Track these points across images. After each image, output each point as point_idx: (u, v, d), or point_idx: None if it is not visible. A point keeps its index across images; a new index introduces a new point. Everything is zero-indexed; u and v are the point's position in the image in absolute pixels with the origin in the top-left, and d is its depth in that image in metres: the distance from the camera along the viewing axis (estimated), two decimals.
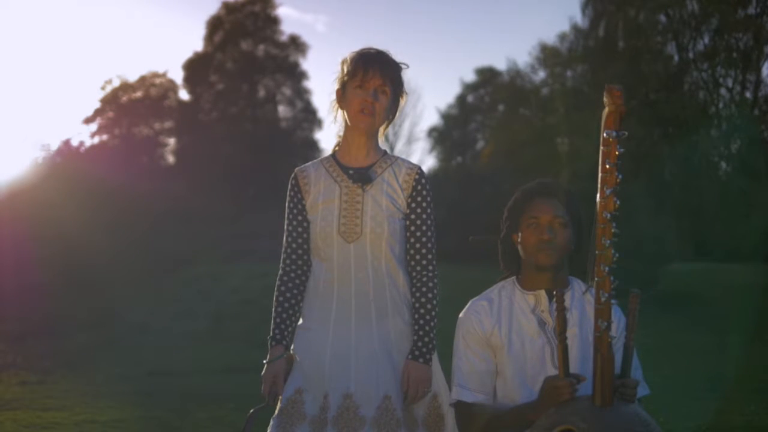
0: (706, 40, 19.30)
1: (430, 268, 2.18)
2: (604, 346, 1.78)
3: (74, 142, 14.77)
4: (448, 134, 35.05)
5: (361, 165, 2.17)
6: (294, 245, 2.18)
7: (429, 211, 2.19)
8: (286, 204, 2.20)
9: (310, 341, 2.12)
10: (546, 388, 1.90)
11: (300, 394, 2.06)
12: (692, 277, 13.78)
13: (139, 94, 28.61)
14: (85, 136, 26.07)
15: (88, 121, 27.54)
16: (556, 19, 53.36)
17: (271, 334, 2.15)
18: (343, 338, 2.10)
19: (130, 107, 28.02)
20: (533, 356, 2.09)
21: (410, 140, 36.43)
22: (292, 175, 2.21)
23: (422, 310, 2.14)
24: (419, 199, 2.18)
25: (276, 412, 2.08)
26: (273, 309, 2.16)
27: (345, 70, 2.15)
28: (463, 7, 46.75)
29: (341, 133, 2.23)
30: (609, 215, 1.75)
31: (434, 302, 2.16)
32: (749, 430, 4.60)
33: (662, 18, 19.97)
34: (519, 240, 2.15)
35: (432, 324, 2.15)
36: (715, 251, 16.92)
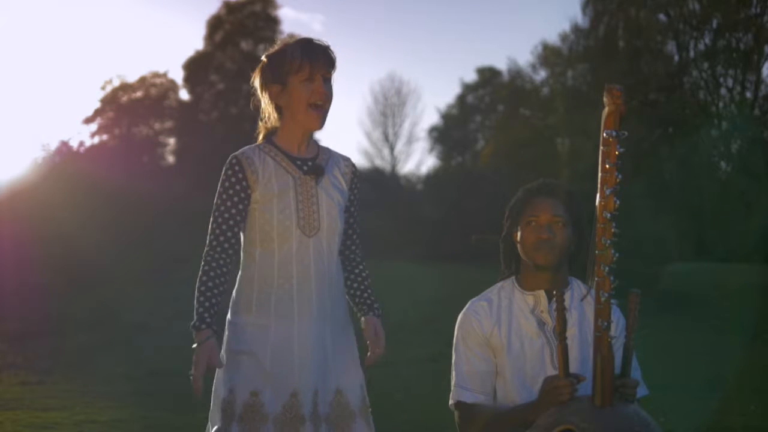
0: (707, 39, 19.29)
1: (361, 256, 2.29)
2: (604, 346, 1.78)
3: (74, 142, 14.77)
4: (448, 134, 35.07)
5: (304, 156, 2.16)
6: (229, 233, 2.08)
7: (359, 201, 2.26)
8: (224, 190, 2.08)
9: (272, 339, 2.06)
10: (546, 388, 1.90)
11: (256, 396, 2.01)
12: (692, 277, 13.79)
13: (139, 94, 28.63)
14: (85, 136, 26.05)
15: (88, 121, 27.57)
16: (556, 19, 53.50)
17: (196, 317, 2.00)
18: (307, 335, 2.07)
19: (130, 107, 28.02)
20: (533, 356, 2.09)
21: (410, 140, 36.46)
22: (233, 161, 2.10)
23: (364, 274, 2.26)
24: (356, 191, 2.24)
25: (235, 418, 2.01)
26: (198, 292, 2.03)
27: (284, 64, 2.09)
28: (463, 7, 46.76)
29: (275, 123, 2.18)
30: (609, 215, 1.75)
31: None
32: (749, 430, 4.60)
33: (663, 17, 19.97)
34: (518, 239, 2.15)
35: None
36: (715, 251, 16.93)
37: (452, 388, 2.15)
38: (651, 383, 2.16)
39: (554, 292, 1.91)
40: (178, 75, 37.81)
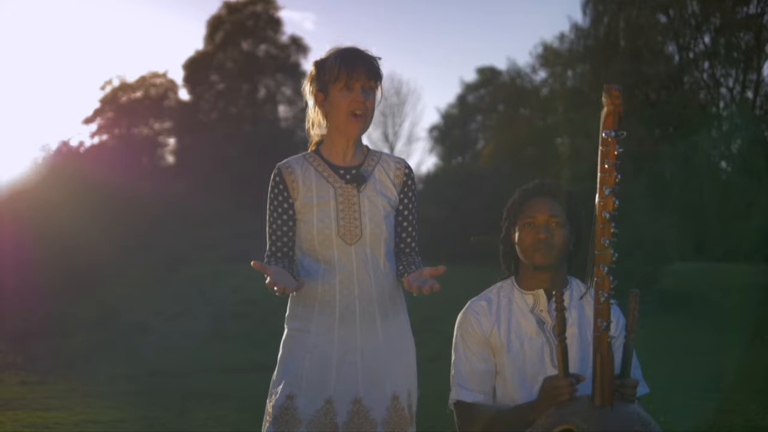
0: (707, 39, 19.31)
1: (418, 258, 2.21)
2: (603, 346, 1.78)
3: (74, 143, 14.76)
4: (448, 134, 35.08)
5: (349, 164, 2.15)
6: (279, 243, 2.13)
7: (416, 202, 2.23)
8: (270, 202, 2.13)
9: (311, 345, 2.08)
10: (546, 388, 1.90)
11: (291, 400, 2.04)
12: (692, 277, 13.77)
13: (138, 94, 28.63)
14: (84, 136, 26.07)
15: (87, 121, 27.61)
16: (556, 19, 53.48)
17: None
18: (349, 342, 2.07)
19: (129, 107, 28.03)
20: (532, 356, 2.09)
21: (410, 140, 36.50)
22: (276, 172, 2.14)
23: (418, 260, 2.14)
24: (410, 194, 2.20)
25: (270, 419, 2.05)
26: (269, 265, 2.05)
27: (326, 72, 2.09)
28: (462, 6, 46.75)
29: (323, 131, 2.18)
30: (608, 215, 1.75)
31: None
32: (749, 430, 4.60)
33: (663, 18, 19.97)
34: (516, 240, 2.15)
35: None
36: (715, 251, 16.91)
37: (451, 387, 2.15)
38: (651, 383, 2.16)
39: (553, 292, 1.91)
40: (178, 75, 37.88)
